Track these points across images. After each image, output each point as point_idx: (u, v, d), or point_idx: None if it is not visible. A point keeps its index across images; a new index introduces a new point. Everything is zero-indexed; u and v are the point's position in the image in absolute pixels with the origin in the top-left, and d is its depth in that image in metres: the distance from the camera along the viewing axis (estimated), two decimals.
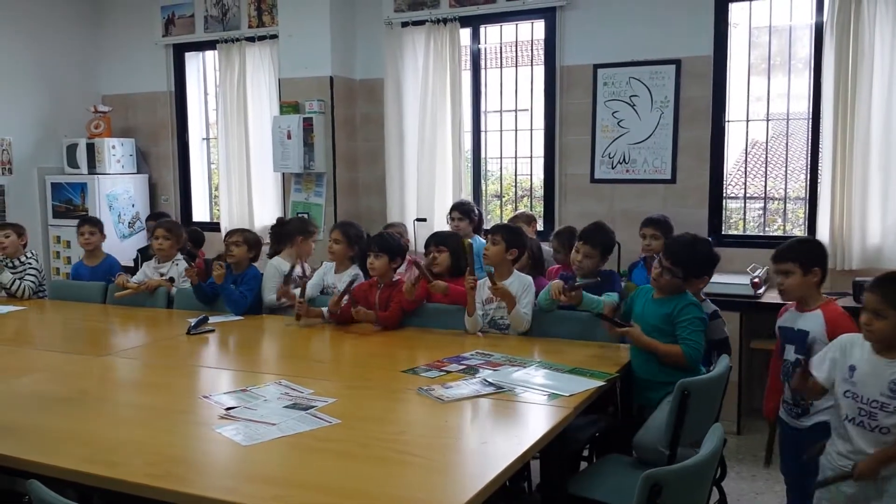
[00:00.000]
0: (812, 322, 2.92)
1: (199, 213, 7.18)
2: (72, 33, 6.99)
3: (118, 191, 6.77)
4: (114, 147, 6.74)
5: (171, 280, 4.50)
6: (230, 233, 4.42)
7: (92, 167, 6.66)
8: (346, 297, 3.84)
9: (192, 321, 3.81)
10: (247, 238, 4.34)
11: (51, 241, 6.79)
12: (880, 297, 2.45)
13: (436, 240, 4.05)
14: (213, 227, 6.75)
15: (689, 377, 2.70)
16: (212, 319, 3.94)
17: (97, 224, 4.97)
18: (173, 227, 4.67)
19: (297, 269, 4.26)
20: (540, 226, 5.59)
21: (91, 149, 6.66)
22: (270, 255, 4.50)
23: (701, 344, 3.00)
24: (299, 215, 4.64)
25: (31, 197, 6.73)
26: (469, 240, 3.67)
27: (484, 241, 4.77)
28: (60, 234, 6.74)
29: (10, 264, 4.82)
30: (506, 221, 5.30)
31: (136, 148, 6.97)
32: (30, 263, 4.87)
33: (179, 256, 4.63)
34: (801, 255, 2.98)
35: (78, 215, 6.60)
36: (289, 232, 4.50)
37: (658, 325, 3.07)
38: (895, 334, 2.44)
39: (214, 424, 2.40)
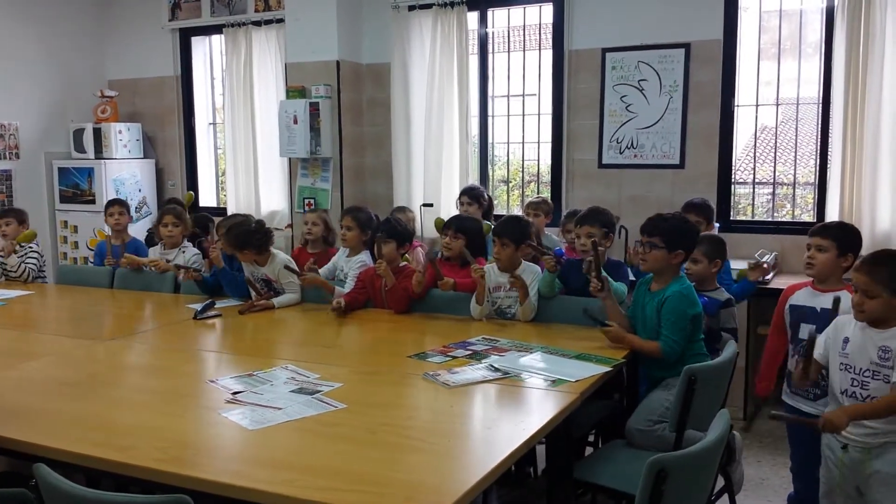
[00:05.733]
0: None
1: (206, 199, 7.19)
2: (78, 18, 6.98)
3: (125, 175, 6.77)
4: (120, 132, 6.74)
5: (178, 267, 4.50)
6: (218, 226, 4.43)
7: (99, 152, 6.67)
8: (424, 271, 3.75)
9: (199, 306, 3.82)
10: None
11: (58, 226, 6.81)
12: (869, 278, 2.51)
13: (455, 225, 3.95)
14: (220, 212, 6.75)
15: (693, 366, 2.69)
16: (218, 304, 3.94)
17: (125, 205, 5.11)
18: (181, 213, 4.67)
19: (257, 273, 4.10)
20: None
21: (98, 133, 6.66)
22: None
23: (678, 341, 2.98)
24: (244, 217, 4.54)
25: (38, 182, 6.75)
26: (488, 223, 3.59)
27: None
28: (67, 218, 6.76)
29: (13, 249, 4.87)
30: (524, 206, 5.26)
31: (142, 133, 6.97)
32: (31, 248, 4.91)
33: (186, 243, 4.64)
34: (841, 237, 3.01)
35: (85, 200, 6.63)
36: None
37: (656, 321, 3.04)
38: (885, 312, 2.51)
39: (221, 409, 2.41)
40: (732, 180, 5.30)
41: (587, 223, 3.61)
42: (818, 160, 5.06)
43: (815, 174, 5.10)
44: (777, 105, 5.30)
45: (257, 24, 6.41)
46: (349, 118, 6.12)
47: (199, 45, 7.06)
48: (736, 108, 5.21)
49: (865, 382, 2.54)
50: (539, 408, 2.49)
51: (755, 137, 5.62)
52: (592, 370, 2.77)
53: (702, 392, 2.62)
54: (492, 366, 2.82)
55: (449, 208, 5.65)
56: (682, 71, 5.23)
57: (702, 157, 5.25)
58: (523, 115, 6.01)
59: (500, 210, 6.15)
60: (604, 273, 3.20)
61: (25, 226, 4.98)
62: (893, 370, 2.47)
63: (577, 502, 2.86)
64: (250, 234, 4.05)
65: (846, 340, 2.62)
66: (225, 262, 4.35)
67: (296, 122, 5.96)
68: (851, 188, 4.75)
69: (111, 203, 5.12)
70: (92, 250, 6.60)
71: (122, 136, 6.75)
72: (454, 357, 2.97)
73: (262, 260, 4.09)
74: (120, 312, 4.26)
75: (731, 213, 5.31)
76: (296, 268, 4.04)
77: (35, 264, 4.87)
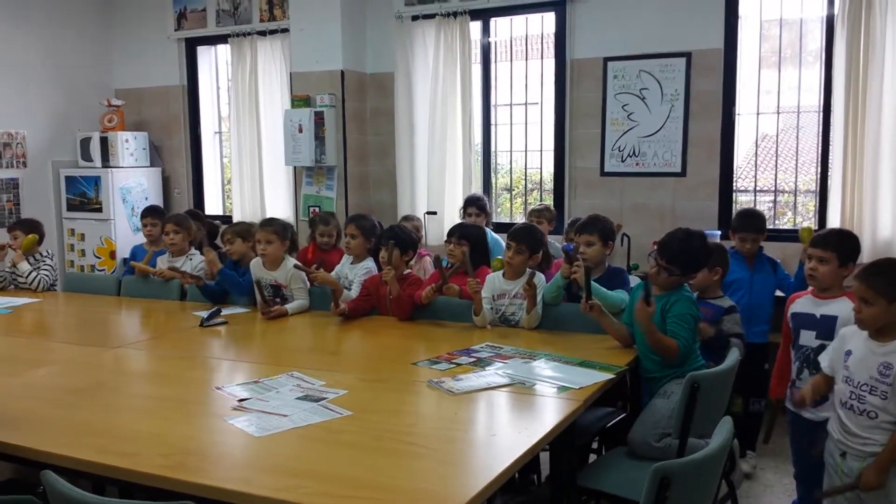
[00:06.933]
0: (840, 307, 2.94)
1: (212, 207, 7.22)
2: (85, 28, 7.03)
3: (131, 184, 6.81)
4: (127, 141, 6.78)
5: (178, 271, 4.52)
6: (225, 231, 4.49)
7: (105, 161, 6.70)
8: (447, 274, 3.75)
9: (205, 313, 3.85)
10: (238, 231, 4.40)
11: (65, 234, 6.84)
12: (867, 286, 2.53)
13: (460, 232, 3.96)
14: (226, 220, 6.77)
15: (694, 372, 2.71)
16: (224, 312, 3.96)
17: (161, 215, 5.03)
18: (182, 220, 4.68)
19: (266, 278, 4.13)
20: None
21: (104, 142, 6.70)
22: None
23: (691, 340, 2.99)
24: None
25: (45, 190, 6.79)
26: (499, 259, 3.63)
27: (494, 234, 4.80)
28: (75, 226, 6.79)
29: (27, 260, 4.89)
30: (527, 213, 5.28)
31: (149, 141, 7.01)
32: (44, 261, 4.93)
33: (193, 251, 4.66)
34: (842, 248, 3.01)
35: (92, 208, 6.67)
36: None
37: (661, 323, 3.04)
38: (883, 320, 2.52)
39: (227, 416, 2.43)
40: (734, 188, 5.32)
41: (586, 231, 3.63)
42: (819, 168, 5.09)
43: (817, 182, 5.12)
44: (778, 113, 5.31)
45: (262, 33, 6.45)
46: (353, 127, 6.15)
47: (204, 55, 7.11)
48: (737, 116, 5.24)
49: (862, 396, 2.55)
50: (543, 415, 2.50)
51: (756, 145, 5.64)
52: (596, 377, 2.79)
53: (704, 399, 2.63)
54: (496, 373, 2.83)
55: (452, 216, 5.68)
56: (684, 80, 5.26)
57: (703, 166, 5.27)
58: (526, 123, 6.04)
59: (503, 218, 6.18)
60: (595, 297, 3.22)
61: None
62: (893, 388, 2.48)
63: None
64: (289, 228, 4.26)
65: (848, 353, 2.62)
66: (230, 268, 4.39)
67: (301, 130, 6.00)
68: (852, 196, 4.77)
69: (146, 213, 5.08)
70: (99, 258, 6.66)
71: (129, 145, 6.79)
72: (458, 364, 2.99)
73: (274, 264, 4.14)
74: (126, 320, 4.29)
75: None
76: (303, 268, 4.08)
77: (49, 275, 4.89)
